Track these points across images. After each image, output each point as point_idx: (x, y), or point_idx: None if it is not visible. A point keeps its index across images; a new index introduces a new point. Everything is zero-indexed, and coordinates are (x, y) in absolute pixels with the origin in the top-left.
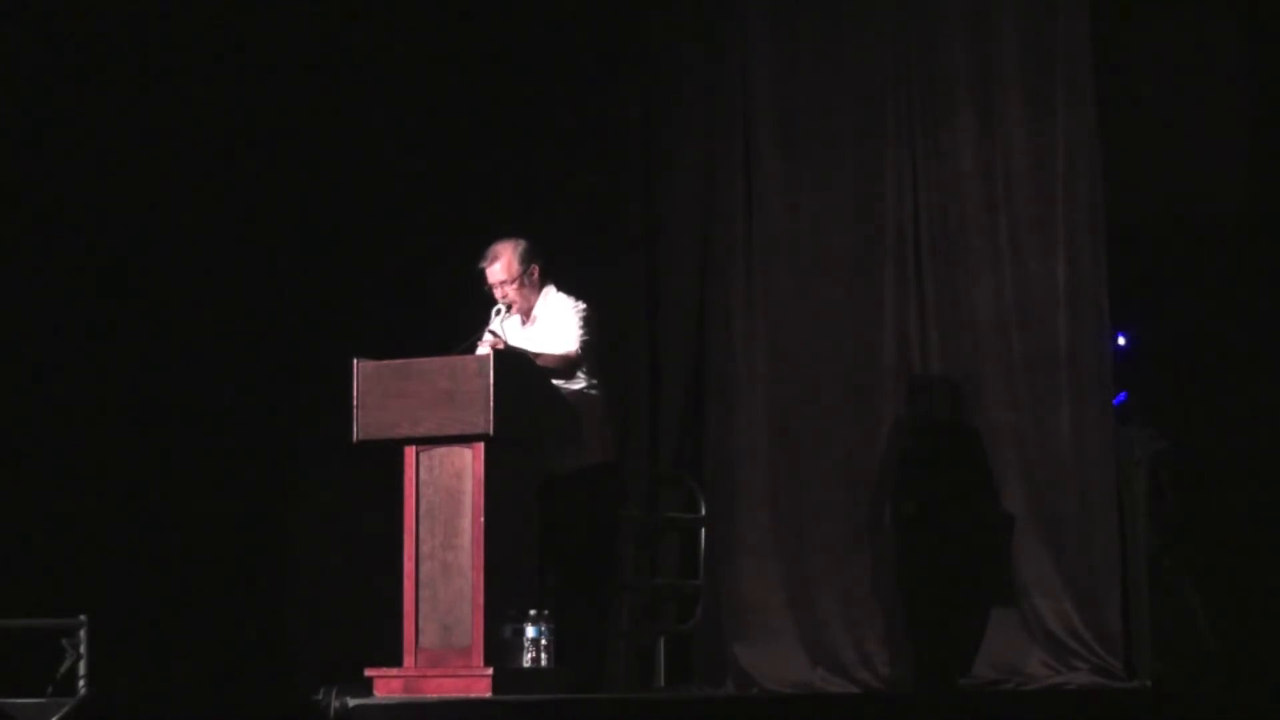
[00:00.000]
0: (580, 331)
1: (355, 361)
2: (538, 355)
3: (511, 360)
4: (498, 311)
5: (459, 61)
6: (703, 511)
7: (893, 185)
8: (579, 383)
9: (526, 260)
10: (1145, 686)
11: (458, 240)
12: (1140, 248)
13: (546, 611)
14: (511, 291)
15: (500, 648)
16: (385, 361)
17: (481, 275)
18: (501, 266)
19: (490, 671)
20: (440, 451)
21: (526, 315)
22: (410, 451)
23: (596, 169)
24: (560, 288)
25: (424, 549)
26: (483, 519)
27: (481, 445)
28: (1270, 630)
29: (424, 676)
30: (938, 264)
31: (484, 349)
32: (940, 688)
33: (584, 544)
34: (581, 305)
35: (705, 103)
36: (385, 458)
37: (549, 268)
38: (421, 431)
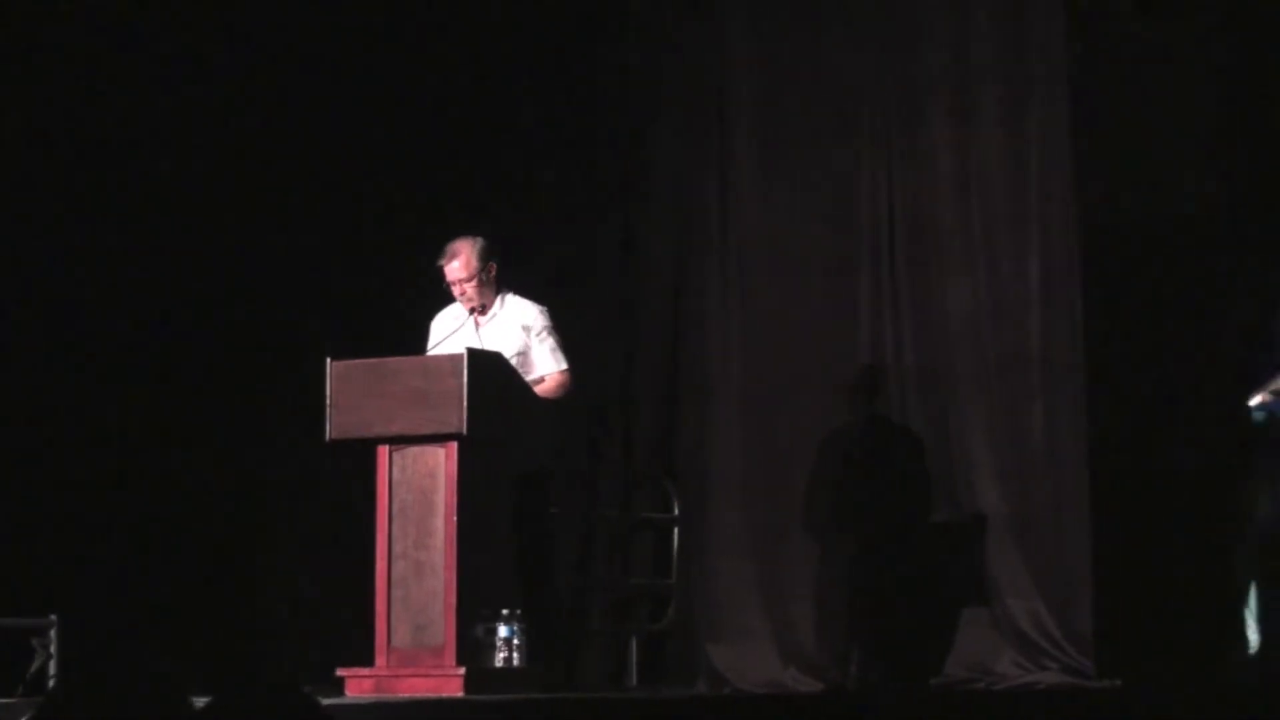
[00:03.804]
0: (560, 343)
1: (328, 361)
2: (539, 381)
3: (485, 359)
4: (464, 311)
5: (436, 61)
6: (676, 511)
7: (868, 185)
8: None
9: (485, 257)
10: (1115, 686)
11: (435, 241)
12: (1114, 247)
13: (519, 611)
14: (470, 289)
15: (472, 647)
16: (358, 361)
17: (440, 273)
18: (460, 264)
19: (462, 671)
20: (413, 451)
21: (483, 313)
22: (383, 451)
23: (573, 170)
24: (530, 288)
25: (396, 548)
26: (455, 518)
27: (455, 445)
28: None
29: (396, 676)
30: (912, 264)
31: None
32: (911, 687)
33: (558, 543)
34: (546, 311)
35: (682, 103)
36: (358, 457)
37: (505, 267)
38: (395, 431)
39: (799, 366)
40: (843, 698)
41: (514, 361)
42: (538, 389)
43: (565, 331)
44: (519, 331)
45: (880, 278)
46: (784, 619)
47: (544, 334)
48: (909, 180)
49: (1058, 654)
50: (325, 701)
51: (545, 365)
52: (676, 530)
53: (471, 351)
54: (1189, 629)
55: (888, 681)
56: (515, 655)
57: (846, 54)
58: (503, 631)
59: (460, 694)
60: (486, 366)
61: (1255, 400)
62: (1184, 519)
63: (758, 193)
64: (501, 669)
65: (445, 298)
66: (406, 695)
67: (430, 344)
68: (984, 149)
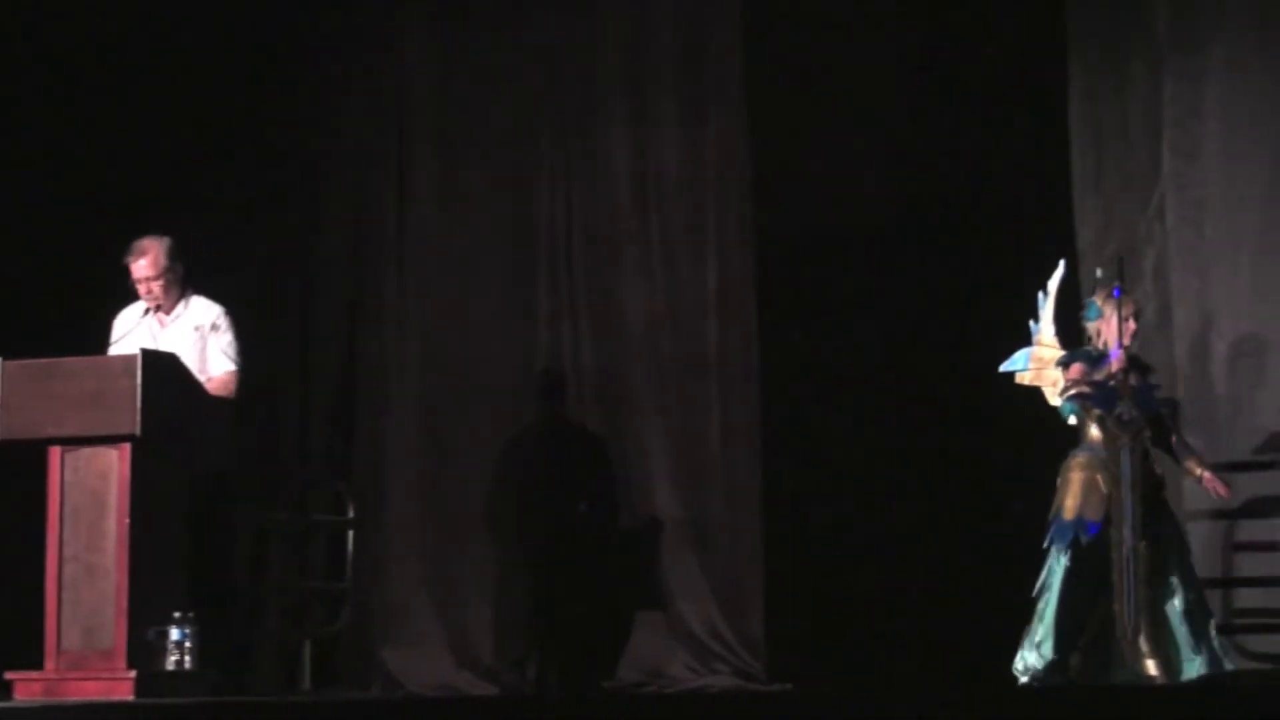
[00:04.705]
0: (236, 344)
1: None
2: (209, 380)
3: (160, 360)
4: (146, 311)
5: (122, 65)
6: (351, 514)
7: (547, 190)
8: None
9: (173, 257)
10: (786, 689)
11: (110, 241)
12: (789, 256)
13: (191, 614)
14: (157, 288)
15: (144, 650)
16: (30, 361)
17: (126, 271)
18: (148, 262)
19: (133, 674)
20: (86, 452)
21: (167, 313)
22: (55, 452)
23: (251, 173)
24: (210, 288)
25: (68, 551)
26: (128, 521)
27: (128, 446)
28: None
29: (65, 679)
30: (590, 269)
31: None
32: (584, 690)
33: (231, 546)
34: (226, 312)
35: (360, 104)
36: (29, 458)
37: (191, 268)
38: (67, 432)
39: (477, 370)
40: (518, 701)
41: (193, 361)
42: (207, 387)
43: (245, 334)
44: (200, 332)
45: (558, 283)
46: (459, 622)
47: (220, 334)
48: (587, 186)
49: (730, 657)
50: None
51: (217, 365)
52: (351, 534)
53: (146, 352)
54: (858, 633)
55: (563, 685)
56: (187, 658)
57: (524, 61)
58: (174, 634)
59: (130, 697)
60: (162, 367)
61: (1068, 394)
62: (853, 526)
63: (435, 198)
64: (173, 672)
65: (131, 296)
66: (76, 699)
67: (112, 342)
68: (662, 157)
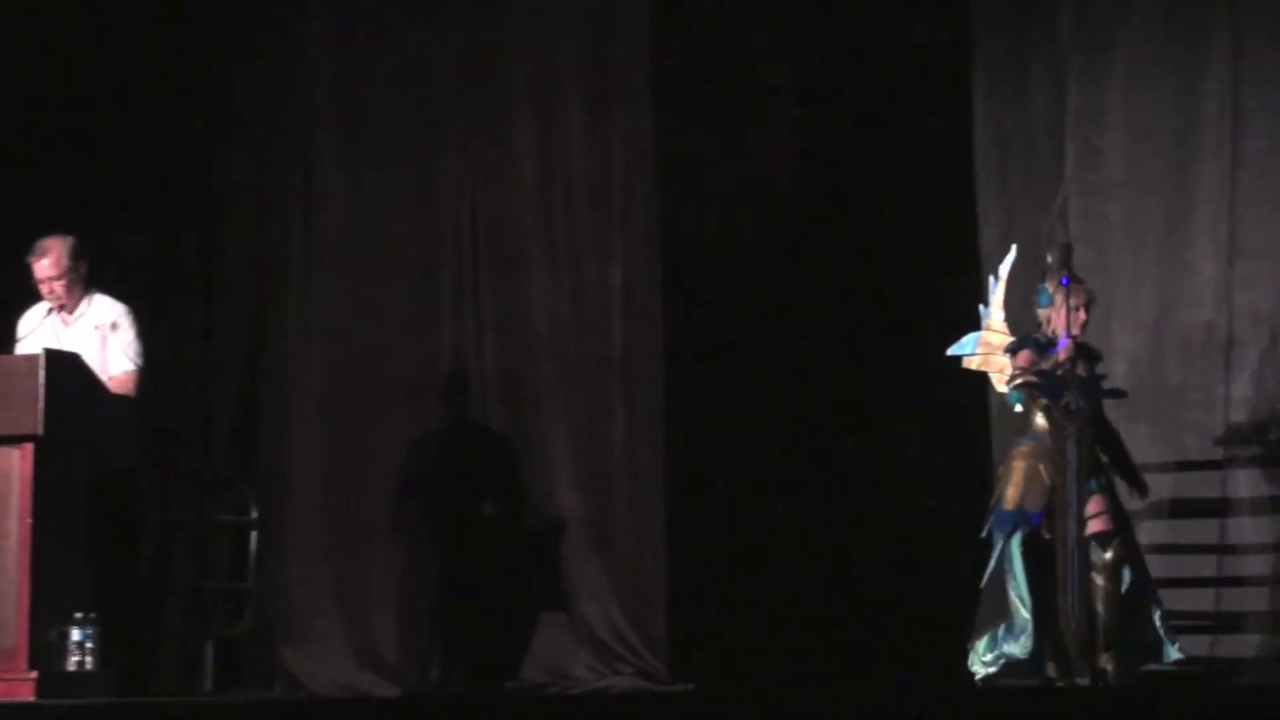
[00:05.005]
0: (138, 343)
1: None
2: (110, 379)
3: (63, 360)
4: (49, 310)
5: (13, 62)
6: (254, 514)
7: (453, 190)
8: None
9: (75, 256)
10: (688, 689)
11: (12, 242)
12: (694, 256)
13: (93, 614)
14: (59, 288)
15: (45, 651)
16: None
17: (29, 271)
18: (51, 262)
19: (34, 675)
20: None
21: (71, 312)
22: None
23: (157, 170)
24: (113, 287)
25: None
26: (30, 520)
27: (30, 446)
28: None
29: None
30: (496, 269)
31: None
32: (487, 691)
33: (134, 545)
34: (129, 311)
35: (265, 104)
36: None
37: (95, 267)
38: None
39: (381, 370)
40: (421, 702)
41: (95, 361)
42: (109, 386)
43: (148, 333)
44: (101, 331)
45: (464, 283)
46: (362, 623)
47: (121, 333)
48: (494, 185)
49: (632, 658)
50: None
51: (118, 364)
52: (254, 533)
53: (50, 352)
54: (761, 633)
55: (466, 685)
56: (88, 659)
57: (431, 61)
58: (76, 635)
59: (32, 698)
60: (65, 367)
61: (1014, 383)
62: (757, 526)
63: (340, 198)
64: (75, 672)
65: (35, 296)
66: None
67: (17, 340)
68: (568, 158)
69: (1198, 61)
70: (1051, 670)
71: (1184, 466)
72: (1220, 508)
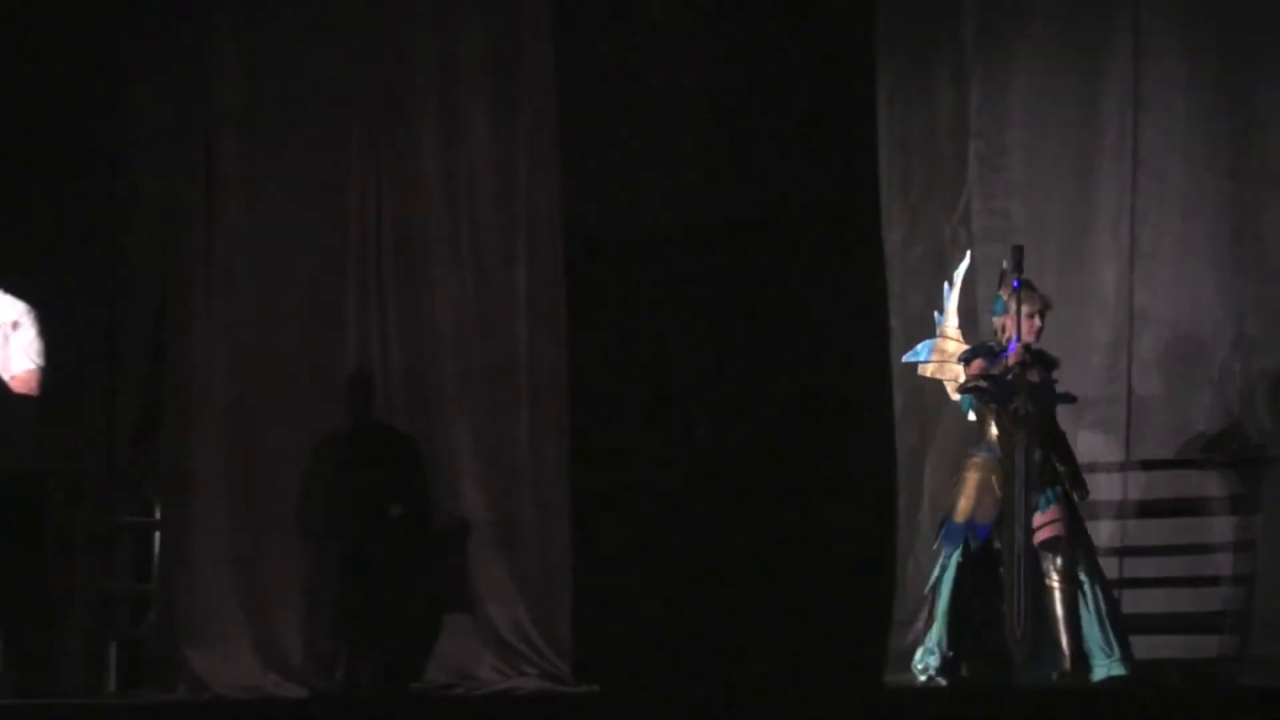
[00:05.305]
0: (39, 342)
1: None
2: (11, 379)
3: None
4: None
5: None
6: (158, 515)
7: (356, 190)
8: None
9: None
10: (593, 691)
11: None
12: (598, 256)
13: None
14: None
15: None
16: None
17: None
18: None
19: None
20: None
21: None
22: None
23: (58, 166)
24: (15, 286)
25: None
26: None
27: None
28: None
29: None
30: (400, 270)
31: None
32: (392, 692)
33: (37, 546)
34: (30, 310)
35: (169, 101)
36: None
37: None
38: None
39: (286, 370)
40: (326, 702)
41: None
42: (10, 385)
43: (50, 331)
44: (4, 330)
45: (368, 283)
46: (266, 624)
47: (22, 331)
48: (398, 186)
49: (537, 660)
50: None
51: (19, 363)
52: (158, 534)
53: None
54: (666, 635)
55: (372, 686)
56: None
57: (334, 59)
58: None
59: None
60: None
61: (964, 387)
62: (662, 528)
63: (244, 197)
64: None
65: None
66: None
67: None
68: (472, 157)
69: (1098, 62)
70: (965, 670)
71: (1090, 469)
72: (1122, 510)
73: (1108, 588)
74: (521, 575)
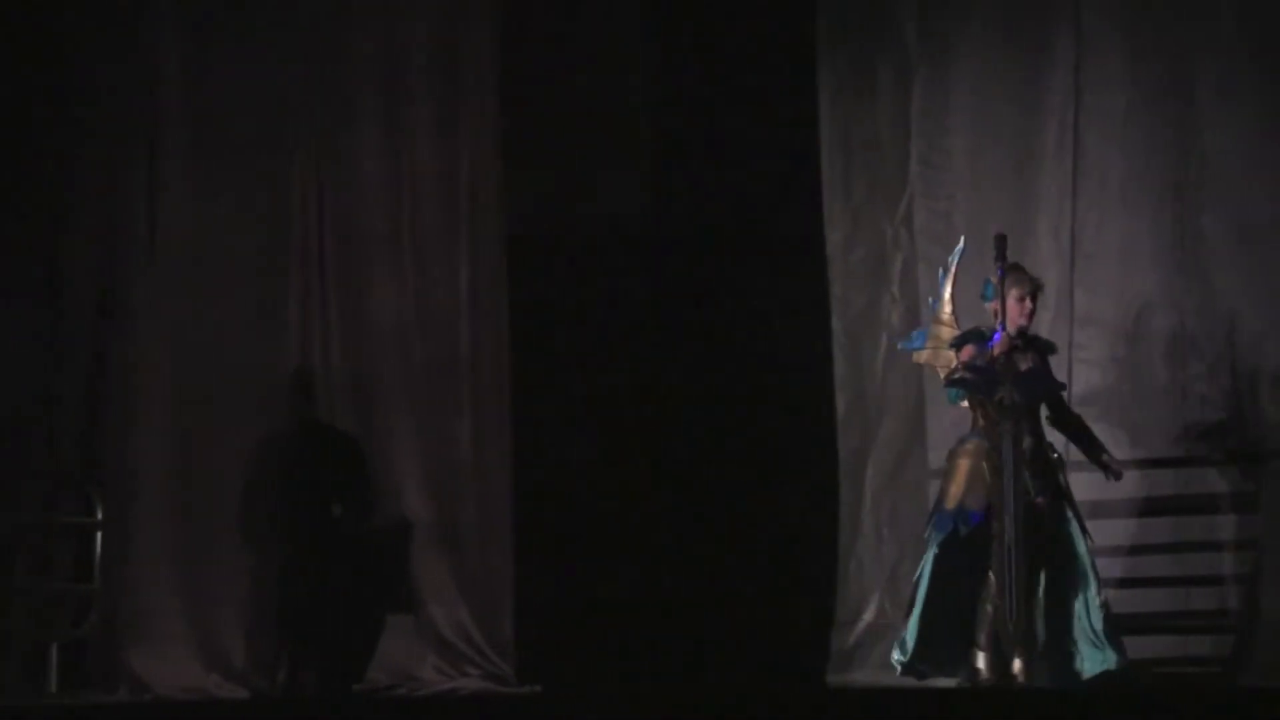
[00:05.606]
0: None
1: None
2: None
3: None
4: None
5: None
6: (99, 516)
7: (299, 190)
8: None
9: None
10: (535, 691)
11: None
12: (540, 257)
13: None
14: None
15: None
16: None
17: None
18: None
19: None
20: None
21: None
22: None
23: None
24: None
25: None
26: None
27: None
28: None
29: None
30: (342, 269)
31: None
32: (334, 693)
33: None
34: None
35: (112, 100)
36: None
37: None
38: None
39: (228, 370)
40: (267, 704)
41: None
42: None
43: None
44: None
45: (310, 283)
46: (208, 625)
47: None
48: (340, 187)
49: (480, 660)
50: None
51: None
52: (100, 535)
53: None
54: (608, 635)
55: (314, 687)
56: None
57: (277, 62)
58: None
59: None
60: None
61: (950, 378)
62: (605, 528)
63: (187, 196)
64: None
65: None
66: None
67: None
68: (415, 158)
69: (1039, 65)
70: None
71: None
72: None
73: (1099, 582)
74: (464, 575)
